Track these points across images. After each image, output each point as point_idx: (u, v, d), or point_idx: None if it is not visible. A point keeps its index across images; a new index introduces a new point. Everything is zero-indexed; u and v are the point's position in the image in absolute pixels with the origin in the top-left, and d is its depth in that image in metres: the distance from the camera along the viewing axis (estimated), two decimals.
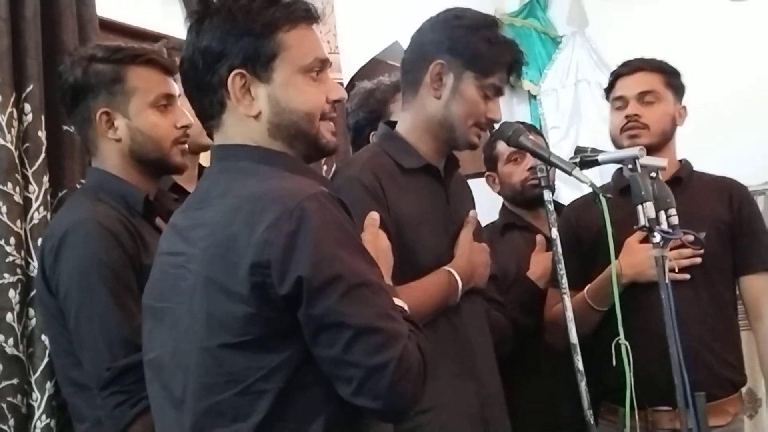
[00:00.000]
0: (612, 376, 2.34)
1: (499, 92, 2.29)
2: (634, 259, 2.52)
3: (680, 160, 2.82)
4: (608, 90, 2.87)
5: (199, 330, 1.59)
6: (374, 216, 1.92)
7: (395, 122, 2.41)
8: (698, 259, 2.54)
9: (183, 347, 1.63)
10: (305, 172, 1.71)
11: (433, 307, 2.17)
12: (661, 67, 2.81)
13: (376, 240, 1.86)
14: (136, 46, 2.27)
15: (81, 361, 2.03)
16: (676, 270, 2.50)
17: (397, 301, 1.66)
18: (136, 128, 2.16)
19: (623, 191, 2.48)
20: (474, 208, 2.42)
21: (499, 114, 2.30)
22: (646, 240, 2.54)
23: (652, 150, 2.55)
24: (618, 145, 2.73)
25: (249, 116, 1.68)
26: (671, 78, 2.80)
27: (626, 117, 2.73)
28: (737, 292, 2.76)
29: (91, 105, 2.15)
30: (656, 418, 2.36)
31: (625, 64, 2.87)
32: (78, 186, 2.39)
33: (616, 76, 2.85)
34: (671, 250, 2.50)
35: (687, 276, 2.49)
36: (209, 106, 1.70)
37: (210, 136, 1.77)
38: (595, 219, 2.67)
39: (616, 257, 2.58)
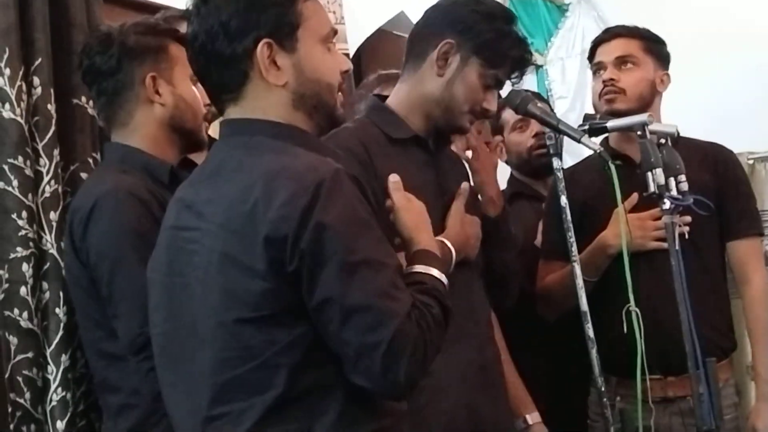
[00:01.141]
0: (605, 345, 2.34)
1: (499, 85, 2.30)
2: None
3: None
4: (589, 58, 2.88)
5: (215, 305, 1.60)
6: (395, 178, 1.90)
7: (386, 96, 2.39)
8: (686, 228, 2.50)
9: (199, 322, 1.64)
10: (320, 148, 1.72)
11: None
12: (640, 33, 2.82)
13: (409, 203, 1.87)
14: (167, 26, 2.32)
15: (114, 330, 2.05)
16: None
17: (419, 268, 1.67)
18: (180, 95, 2.20)
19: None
20: (469, 181, 2.42)
21: (495, 105, 2.30)
22: (633, 210, 2.54)
23: (630, 115, 2.55)
24: (598, 111, 2.72)
25: (276, 86, 1.68)
26: (651, 44, 2.81)
27: (603, 82, 2.74)
28: (725, 259, 2.77)
29: (137, 70, 2.17)
30: (647, 387, 2.36)
31: (605, 31, 2.90)
32: (89, 159, 2.41)
33: (595, 43, 2.87)
34: (656, 219, 2.51)
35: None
36: (230, 79, 1.69)
37: (220, 111, 1.77)
38: (581, 190, 2.68)
39: (604, 228, 2.59)
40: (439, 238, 2.20)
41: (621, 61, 2.76)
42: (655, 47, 2.80)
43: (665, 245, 2.39)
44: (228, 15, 1.65)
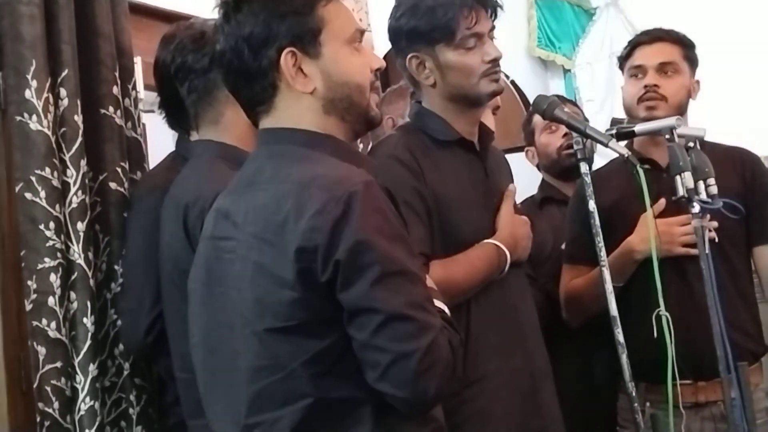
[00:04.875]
0: (633, 350, 2.31)
1: (479, 36, 2.22)
2: (648, 234, 2.47)
3: None
4: (625, 58, 2.81)
5: (248, 314, 1.61)
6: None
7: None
8: (713, 233, 2.44)
9: (235, 332, 1.64)
10: (353, 157, 1.71)
11: (480, 280, 2.17)
12: (681, 39, 2.76)
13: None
14: None
15: None
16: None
17: (437, 303, 1.65)
18: None
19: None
20: (512, 181, 2.41)
21: (496, 51, 2.23)
22: (661, 215, 2.51)
23: None
24: (632, 115, 2.68)
25: (305, 93, 1.68)
26: (689, 51, 2.76)
27: (645, 87, 2.68)
28: (752, 263, 2.72)
29: None
30: (678, 392, 2.33)
31: (645, 33, 2.82)
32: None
33: (634, 44, 2.79)
34: (683, 225, 2.48)
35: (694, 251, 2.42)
36: (260, 92, 1.70)
37: (255, 123, 1.77)
38: (607, 194, 2.63)
39: (630, 233, 2.57)
40: (492, 240, 2.21)
41: (663, 68, 2.70)
42: (691, 54, 2.75)
43: (693, 251, 2.37)
44: (249, 29, 1.66)
